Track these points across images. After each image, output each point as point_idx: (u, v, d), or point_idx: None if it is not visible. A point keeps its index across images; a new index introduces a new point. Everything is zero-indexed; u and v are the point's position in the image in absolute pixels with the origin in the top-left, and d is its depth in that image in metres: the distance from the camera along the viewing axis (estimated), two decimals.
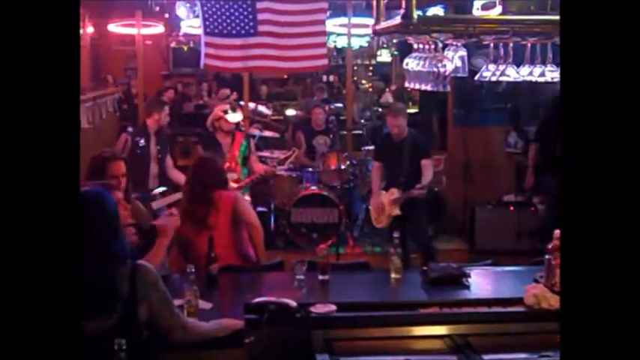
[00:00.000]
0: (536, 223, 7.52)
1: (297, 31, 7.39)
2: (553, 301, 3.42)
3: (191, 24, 9.36)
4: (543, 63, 3.79)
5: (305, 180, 7.88)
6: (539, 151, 7.27)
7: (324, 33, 7.74)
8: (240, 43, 7.25)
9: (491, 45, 3.80)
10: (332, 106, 10.27)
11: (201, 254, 4.19)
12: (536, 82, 3.84)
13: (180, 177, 6.67)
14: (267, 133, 8.80)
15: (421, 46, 3.96)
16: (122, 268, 2.77)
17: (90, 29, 9.34)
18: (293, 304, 3.43)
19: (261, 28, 7.27)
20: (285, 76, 13.67)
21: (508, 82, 4.03)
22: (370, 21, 7.99)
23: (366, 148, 8.66)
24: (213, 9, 7.16)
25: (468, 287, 3.92)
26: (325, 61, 7.72)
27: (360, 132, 9.99)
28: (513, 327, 3.45)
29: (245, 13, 7.21)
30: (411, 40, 4.05)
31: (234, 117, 6.93)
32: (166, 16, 9.84)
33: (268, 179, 7.61)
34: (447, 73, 3.79)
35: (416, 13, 3.35)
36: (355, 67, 12.83)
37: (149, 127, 6.74)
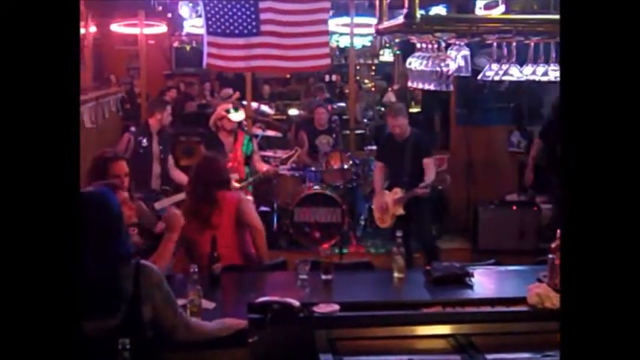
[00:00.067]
0: (539, 222, 7.51)
1: (300, 31, 7.39)
2: (556, 301, 3.42)
3: (194, 23, 9.36)
4: (546, 62, 3.78)
5: (308, 179, 7.88)
6: (545, 151, 7.25)
7: (327, 32, 7.73)
8: (242, 43, 7.25)
9: (495, 44, 3.79)
10: (335, 106, 10.26)
11: (204, 254, 4.19)
12: (539, 82, 3.83)
13: (181, 177, 6.68)
14: (270, 133, 8.81)
15: (424, 45, 3.95)
16: (126, 268, 2.77)
17: (92, 29, 9.33)
18: (296, 303, 3.44)
19: (264, 27, 7.26)
20: (288, 76, 13.67)
21: (511, 82, 4.01)
22: (373, 20, 7.99)
23: (369, 147, 8.66)
24: (216, 8, 7.16)
25: (471, 287, 3.92)
26: (328, 61, 7.72)
27: (363, 131, 9.99)
28: (516, 326, 3.46)
29: (248, 12, 7.20)
30: (413, 39, 4.04)
31: (237, 116, 6.93)
32: (169, 15, 9.85)
33: (271, 179, 7.61)
34: (449, 72, 3.78)
35: (419, 13, 3.35)
36: (358, 67, 12.82)
37: (151, 127, 6.75)
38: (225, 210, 4.58)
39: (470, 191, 8.25)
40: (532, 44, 3.79)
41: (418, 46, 4.08)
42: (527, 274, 4.13)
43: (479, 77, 4.00)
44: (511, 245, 7.30)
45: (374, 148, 8.34)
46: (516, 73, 3.80)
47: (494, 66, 3.83)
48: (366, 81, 13.75)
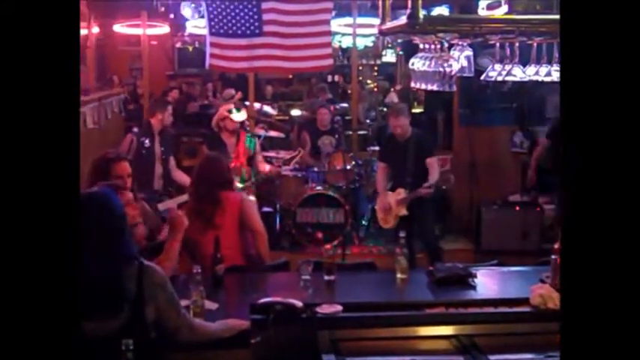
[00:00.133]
0: (542, 223, 7.50)
1: (303, 31, 7.39)
2: (559, 302, 3.41)
3: (196, 24, 9.38)
4: (549, 62, 3.78)
5: (310, 180, 7.88)
6: (551, 151, 7.23)
7: (330, 33, 7.74)
8: (245, 44, 7.26)
9: (497, 45, 3.79)
10: (337, 106, 10.26)
11: (207, 255, 4.19)
12: (542, 82, 3.83)
13: (183, 178, 6.69)
14: (273, 133, 8.81)
15: (427, 46, 3.95)
16: (129, 269, 2.77)
17: (95, 30, 9.35)
18: (299, 304, 3.44)
19: (267, 28, 7.27)
20: (290, 76, 13.68)
21: (513, 82, 4.01)
22: (375, 21, 7.99)
23: (372, 148, 8.66)
24: (219, 9, 7.17)
25: (474, 287, 3.92)
26: (330, 61, 7.72)
27: (366, 132, 9.99)
28: (519, 327, 3.45)
29: (250, 13, 7.21)
30: (416, 40, 4.04)
31: (239, 116, 6.93)
32: (171, 16, 9.87)
33: (274, 179, 7.61)
34: (452, 73, 3.78)
35: (421, 13, 3.34)
36: (360, 67, 12.82)
37: (153, 127, 6.76)
38: (228, 210, 4.58)
39: (473, 192, 8.24)
40: (535, 44, 3.78)
41: (421, 46, 4.08)
42: (530, 274, 4.13)
43: (482, 77, 3.99)
44: (514, 246, 7.29)
45: (376, 148, 8.33)
46: (519, 74, 3.79)
47: (497, 66, 3.83)
48: (369, 81, 13.75)
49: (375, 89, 13.16)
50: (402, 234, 4.28)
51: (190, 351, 3.05)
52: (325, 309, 3.47)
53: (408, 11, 3.37)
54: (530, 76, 3.78)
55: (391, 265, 4.22)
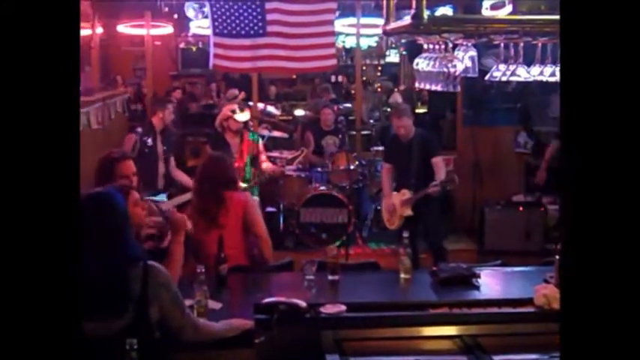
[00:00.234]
0: (545, 223, 7.49)
1: (306, 32, 7.39)
2: None
3: (200, 24, 9.38)
4: (554, 63, 3.78)
5: (314, 180, 7.89)
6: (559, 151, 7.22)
7: (333, 33, 7.74)
8: (249, 44, 7.27)
9: (502, 45, 3.79)
10: (341, 107, 10.26)
11: (210, 254, 4.19)
12: (546, 82, 3.82)
13: (182, 177, 6.71)
14: (276, 134, 8.81)
15: (431, 46, 3.95)
16: (134, 269, 2.78)
17: (99, 30, 9.35)
18: (303, 304, 3.44)
19: (270, 28, 7.27)
20: (294, 77, 13.67)
21: (517, 82, 4.00)
22: (379, 21, 7.98)
23: (375, 148, 8.66)
24: (222, 9, 7.18)
25: (477, 288, 3.91)
26: (334, 62, 7.72)
27: (369, 132, 9.99)
28: (523, 327, 3.45)
29: (254, 13, 7.22)
30: (420, 40, 4.04)
31: (242, 116, 6.93)
32: (175, 16, 9.86)
33: (277, 179, 7.61)
34: (457, 73, 3.77)
35: (426, 14, 3.34)
36: (364, 68, 12.81)
37: (155, 127, 6.77)
38: (232, 210, 4.59)
39: (476, 192, 8.24)
40: (539, 45, 3.78)
41: (425, 46, 4.08)
42: (533, 275, 4.12)
43: (486, 78, 3.99)
44: (517, 246, 7.29)
45: (380, 148, 8.33)
46: (524, 74, 3.79)
47: (502, 66, 3.83)
48: (372, 81, 13.74)
49: (379, 89, 13.16)
50: (405, 234, 4.28)
51: (194, 351, 3.06)
52: (329, 309, 3.47)
53: (413, 11, 3.37)
54: (534, 76, 3.78)
55: (394, 265, 4.22)
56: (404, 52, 12.61)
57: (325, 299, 3.64)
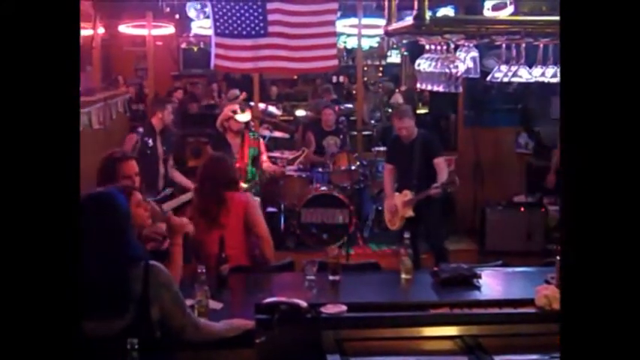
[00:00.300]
0: (546, 223, 7.49)
1: (308, 32, 7.39)
2: None
3: (201, 25, 9.37)
4: (555, 64, 3.78)
5: (315, 180, 7.89)
6: None
7: (335, 34, 7.74)
8: (250, 44, 7.26)
9: (504, 46, 3.79)
10: (342, 107, 10.26)
11: (211, 254, 4.19)
12: (548, 83, 3.82)
13: (181, 179, 6.70)
14: (277, 134, 8.81)
15: (433, 47, 3.95)
16: (135, 269, 2.78)
17: (101, 30, 9.35)
18: (304, 304, 3.44)
19: (272, 28, 7.27)
20: (295, 77, 13.67)
21: (518, 83, 4.00)
22: (380, 22, 7.99)
23: (376, 148, 8.66)
24: (224, 10, 7.17)
25: (478, 288, 3.92)
26: (335, 62, 7.72)
27: (370, 133, 9.99)
28: (524, 328, 3.45)
29: (255, 14, 7.21)
30: (422, 41, 4.04)
31: (243, 117, 6.94)
32: (177, 17, 9.86)
33: (278, 180, 7.62)
34: (458, 74, 3.78)
35: (428, 14, 3.34)
36: (365, 68, 12.81)
37: (155, 127, 6.77)
38: (233, 211, 4.59)
39: (477, 192, 8.25)
40: (541, 45, 3.78)
41: (427, 47, 4.08)
42: (534, 275, 4.13)
43: (488, 78, 3.99)
44: (518, 247, 7.29)
45: (381, 149, 8.33)
46: (525, 75, 3.79)
47: (504, 67, 3.83)
48: (374, 82, 13.74)
49: (380, 90, 13.16)
50: (406, 235, 4.28)
51: (195, 350, 3.06)
52: (330, 309, 3.48)
53: (415, 12, 3.37)
54: (536, 77, 3.78)
55: (395, 265, 4.22)
56: (405, 53, 12.62)
57: (326, 299, 3.65)
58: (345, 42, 12.29)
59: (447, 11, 7.45)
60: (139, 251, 2.90)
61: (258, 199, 6.48)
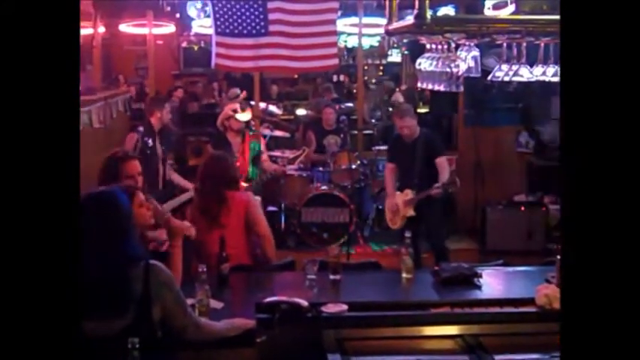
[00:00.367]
0: (547, 223, 7.49)
1: (308, 31, 7.39)
2: None
3: (202, 24, 9.38)
4: (556, 63, 3.77)
5: (316, 179, 7.88)
6: None
7: (335, 33, 7.73)
8: (251, 43, 7.26)
9: (504, 45, 3.78)
10: (342, 106, 10.26)
11: (212, 254, 4.19)
12: (548, 82, 3.82)
13: (178, 179, 6.68)
14: (278, 133, 8.81)
15: (434, 46, 3.95)
16: (136, 269, 2.78)
17: (101, 29, 9.36)
18: (304, 303, 3.44)
19: (272, 27, 7.27)
20: (296, 76, 13.68)
21: (519, 82, 4.00)
22: (381, 21, 7.98)
23: (377, 147, 8.65)
24: (225, 9, 7.17)
25: (479, 287, 3.92)
26: (336, 61, 7.71)
27: (371, 132, 9.99)
28: (525, 327, 3.45)
29: (256, 12, 7.21)
30: (423, 40, 4.03)
31: (244, 116, 6.94)
32: (177, 15, 9.87)
33: (279, 179, 7.62)
34: (459, 73, 3.77)
35: (429, 14, 3.34)
36: (366, 67, 12.81)
37: (154, 126, 6.76)
38: (233, 210, 4.59)
39: (478, 192, 8.24)
40: (542, 45, 3.77)
41: (428, 46, 4.07)
42: (535, 274, 4.13)
43: (489, 78, 3.99)
44: (519, 246, 7.28)
45: (382, 148, 8.33)
46: (526, 74, 3.79)
47: (504, 66, 3.82)
48: (374, 81, 13.74)
49: (382, 88, 13.16)
50: (407, 234, 4.28)
51: (196, 350, 3.06)
52: (331, 308, 3.48)
53: (416, 11, 3.37)
54: (537, 76, 3.78)
55: (395, 264, 4.22)
56: (406, 52, 12.62)
57: (327, 299, 3.65)
58: (345, 41, 12.29)
59: (448, 10, 7.43)
60: (140, 251, 2.89)
61: (258, 198, 6.48)
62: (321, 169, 7.96)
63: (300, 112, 11.04)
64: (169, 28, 10.13)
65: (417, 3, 3.32)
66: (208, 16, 7.59)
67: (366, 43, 11.77)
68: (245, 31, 7.21)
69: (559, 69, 3.75)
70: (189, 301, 3.17)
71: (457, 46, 3.88)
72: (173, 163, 7.79)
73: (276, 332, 3.31)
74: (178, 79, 13.56)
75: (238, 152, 6.85)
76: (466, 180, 7.89)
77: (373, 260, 4.73)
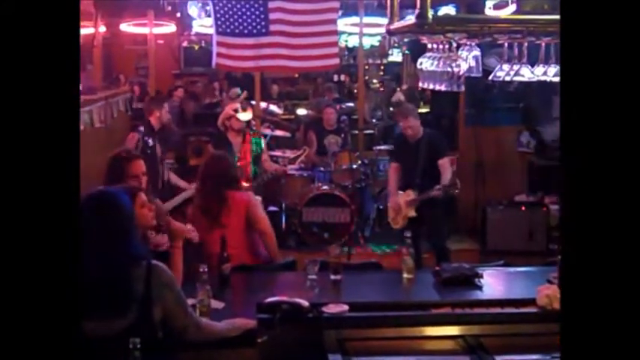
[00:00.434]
0: (548, 223, 7.48)
1: (309, 31, 7.39)
2: None
3: (203, 23, 9.38)
4: (558, 63, 3.76)
5: (316, 179, 7.88)
6: None
7: (336, 32, 7.74)
8: (252, 43, 7.26)
9: (506, 44, 3.78)
10: (343, 106, 10.26)
11: (213, 254, 4.20)
12: (550, 82, 3.81)
13: (176, 179, 6.67)
14: (279, 133, 8.81)
15: (435, 46, 3.94)
16: (137, 269, 2.77)
17: (102, 29, 9.36)
18: (305, 303, 3.44)
19: (273, 27, 7.27)
20: (296, 76, 13.68)
21: (520, 82, 3.99)
22: (382, 20, 7.98)
23: (378, 147, 8.65)
24: (225, 8, 7.17)
25: (480, 288, 3.91)
26: (337, 61, 7.72)
27: (372, 131, 9.99)
28: (526, 328, 3.45)
29: (257, 12, 7.21)
30: (424, 40, 4.03)
31: (245, 116, 6.93)
32: (178, 15, 9.87)
33: (280, 179, 7.61)
34: (461, 73, 3.76)
35: (430, 13, 3.33)
36: (366, 67, 12.81)
37: (154, 126, 6.76)
38: (234, 210, 4.59)
39: (478, 192, 8.24)
40: (543, 44, 3.77)
41: (429, 46, 4.07)
42: (536, 275, 4.12)
43: (490, 78, 3.98)
44: (520, 246, 7.28)
45: (383, 147, 8.33)
46: (527, 74, 3.78)
47: (506, 66, 3.82)
48: (375, 81, 13.74)
49: (382, 89, 13.16)
50: (408, 234, 4.28)
51: (197, 350, 3.06)
52: (331, 308, 3.48)
53: (417, 11, 3.36)
54: (538, 76, 3.77)
55: (396, 264, 4.22)
56: (406, 52, 12.61)
57: (328, 299, 3.64)
58: (346, 40, 12.30)
59: (448, 10, 7.43)
60: (142, 251, 2.89)
61: (259, 198, 6.48)
62: (322, 169, 7.96)
63: (301, 111, 11.04)
64: (170, 28, 10.13)
65: (418, 2, 3.31)
66: (209, 16, 7.60)
67: (367, 42, 11.76)
68: (246, 31, 7.22)
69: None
70: (190, 302, 3.17)
71: (458, 46, 3.87)
72: (173, 163, 7.78)
73: (277, 332, 3.31)
74: (179, 78, 13.55)
75: (239, 152, 6.85)
76: (467, 180, 7.89)
77: (374, 260, 4.73)
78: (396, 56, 13.68)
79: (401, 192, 6.39)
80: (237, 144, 6.90)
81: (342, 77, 13.43)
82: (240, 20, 7.19)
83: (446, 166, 6.20)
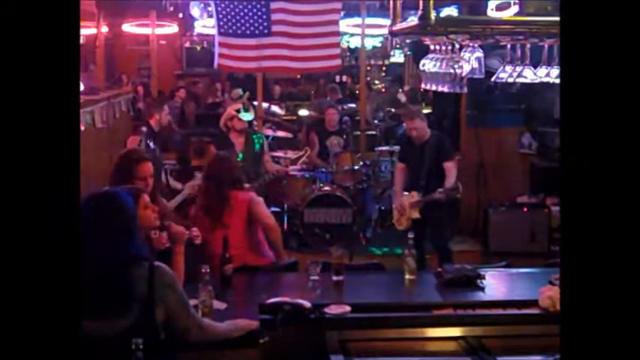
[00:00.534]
0: (549, 224, 7.48)
1: (311, 32, 7.40)
2: None
3: (205, 24, 9.41)
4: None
5: (318, 180, 7.88)
6: None
7: (338, 33, 7.74)
8: (254, 44, 7.27)
9: (508, 46, 3.78)
10: (345, 107, 10.26)
11: (215, 254, 4.20)
12: (552, 83, 3.81)
13: (173, 182, 6.67)
14: (280, 134, 8.81)
15: (438, 47, 3.94)
16: (140, 270, 2.77)
17: (105, 29, 9.38)
18: (307, 304, 3.44)
19: (275, 28, 7.28)
20: (298, 76, 13.69)
21: (522, 83, 3.99)
22: (384, 21, 7.99)
23: (380, 148, 8.65)
24: (228, 9, 7.18)
25: (482, 289, 3.91)
26: (339, 62, 7.72)
27: (374, 132, 9.99)
28: (528, 329, 3.45)
29: (259, 13, 7.22)
30: (427, 41, 4.03)
31: (247, 116, 6.93)
32: (180, 16, 9.90)
33: (281, 179, 7.61)
34: (463, 74, 3.76)
35: (433, 14, 3.34)
36: (368, 68, 12.82)
37: (154, 128, 6.76)
38: (236, 210, 4.60)
39: (480, 193, 8.23)
40: (546, 46, 3.77)
41: (432, 47, 4.07)
42: (538, 276, 4.12)
43: (493, 79, 3.98)
44: (522, 247, 7.26)
45: (384, 148, 8.33)
46: (530, 75, 3.78)
47: (508, 68, 3.82)
48: (377, 82, 13.75)
49: (383, 90, 13.17)
50: (410, 235, 4.27)
51: (199, 351, 3.05)
52: (333, 309, 3.48)
53: (420, 12, 3.37)
54: (540, 77, 3.77)
55: (398, 265, 4.21)
56: (408, 53, 12.62)
57: (330, 300, 3.65)
58: (348, 41, 12.32)
59: (451, 11, 7.43)
60: (145, 252, 2.89)
61: (261, 198, 6.48)
62: (323, 169, 7.95)
63: (303, 112, 11.04)
64: (172, 28, 10.16)
65: (420, 4, 3.31)
66: (211, 17, 7.60)
67: (369, 43, 11.79)
68: (248, 32, 7.23)
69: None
70: (193, 302, 3.17)
71: (461, 47, 3.87)
72: (175, 164, 7.78)
73: (279, 333, 3.31)
74: (181, 79, 13.57)
75: (241, 153, 6.85)
76: (469, 181, 7.88)
77: (376, 262, 4.73)
78: (398, 57, 13.70)
79: (405, 193, 6.38)
80: (240, 145, 6.90)
81: (344, 78, 13.46)
82: (242, 21, 7.19)
83: (451, 169, 6.17)
